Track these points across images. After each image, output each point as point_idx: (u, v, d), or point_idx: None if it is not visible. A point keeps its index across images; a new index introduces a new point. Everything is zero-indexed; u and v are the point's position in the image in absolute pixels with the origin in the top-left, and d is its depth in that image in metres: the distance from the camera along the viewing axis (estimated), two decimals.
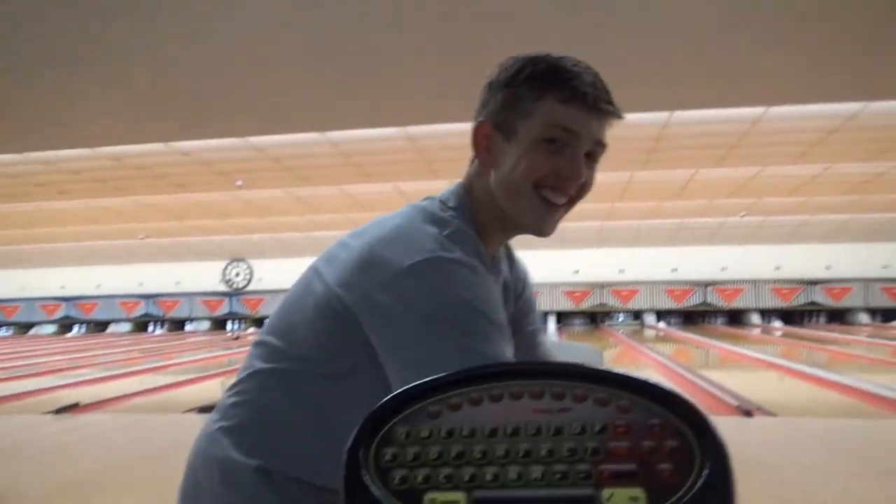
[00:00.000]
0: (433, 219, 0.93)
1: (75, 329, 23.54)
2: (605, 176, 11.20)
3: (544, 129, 0.91)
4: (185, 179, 10.86)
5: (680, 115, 7.86)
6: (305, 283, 0.97)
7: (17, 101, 5.97)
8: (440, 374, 0.51)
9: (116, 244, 18.93)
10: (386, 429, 0.48)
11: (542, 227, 0.97)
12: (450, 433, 0.47)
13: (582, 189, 0.96)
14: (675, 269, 20.87)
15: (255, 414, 0.96)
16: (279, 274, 21.77)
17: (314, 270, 0.97)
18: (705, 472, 0.45)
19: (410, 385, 0.51)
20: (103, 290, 23.02)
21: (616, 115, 0.93)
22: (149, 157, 9.34)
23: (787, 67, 5.51)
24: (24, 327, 23.70)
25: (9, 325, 23.84)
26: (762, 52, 5.15)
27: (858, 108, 7.60)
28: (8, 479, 3.67)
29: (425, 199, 1.00)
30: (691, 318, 21.04)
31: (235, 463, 0.93)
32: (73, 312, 23.31)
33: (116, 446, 4.62)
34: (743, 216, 15.61)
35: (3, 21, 4.17)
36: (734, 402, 5.98)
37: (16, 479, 3.70)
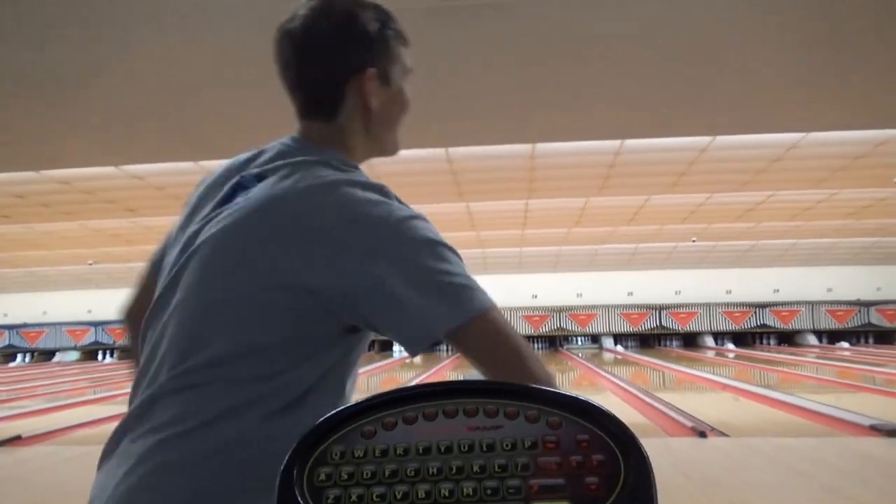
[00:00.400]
0: (353, 176, 0.92)
1: (19, 358, 22.56)
2: (562, 202, 11.46)
3: (405, 72, 1.03)
4: (136, 204, 10.62)
5: (632, 142, 8.08)
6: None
7: None
8: (372, 396, 0.52)
9: (64, 270, 18.31)
10: (321, 449, 0.49)
11: (395, 152, 1.08)
12: (384, 452, 0.47)
13: None
14: (631, 293, 21.24)
15: None
16: None
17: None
18: (630, 484, 0.46)
19: (343, 407, 0.51)
20: (50, 318, 22.17)
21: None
22: (99, 180, 9.12)
23: (736, 97, 5.73)
24: None
25: None
26: (712, 83, 5.35)
27: (799, 138, 7.95)
28: None
29: (302, 160, 0.94)
30: (647, 341, 21.38)
31: None
32: (17, 341, 22.36)
33: (64, 478, 4.43)
34: (694, 241, 16.04)
35: None
36: (689, 423, 6.10)
37: None
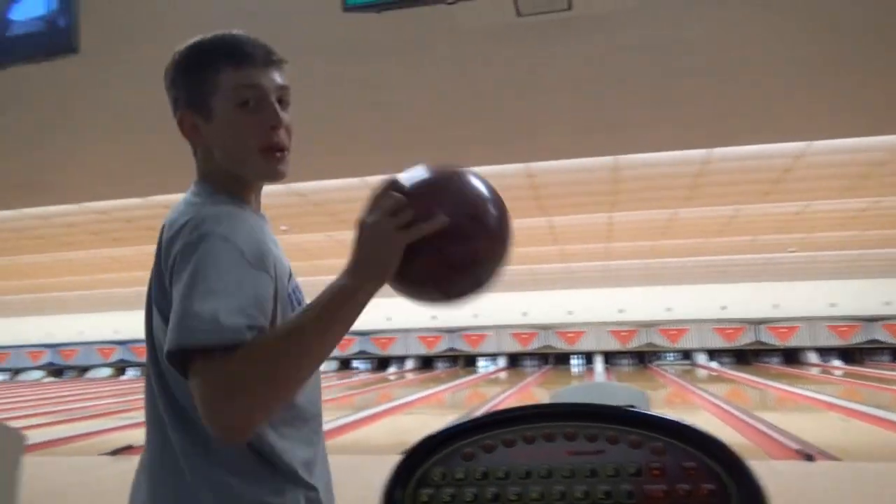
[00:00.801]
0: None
1: (129, 372, 24.15)
2: (647, 214, 11.14)
3: (235, 95, 1.00)
4: None
5: (720, 151, 7.77)
6: None
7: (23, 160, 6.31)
8: (475, 417, 0.53)
9: None
10: (422, 470, 0.50)
11: (275, 175, 1.04)
12: (485, 475, 0.48)
13: (288, 131, 1.04)
14: (724, 307, 20.30)
15: None
16: None
17: None
18: None
19: (445, 427, 0.52)
20: None
21: (283, 60, 1.05)
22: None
23: (826, 103, 5.42)
24: (82, 370, 24.44)
25: (69, 368, 24.61)
26: (804, 87, 5.09)
27: None
28: None
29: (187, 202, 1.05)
30: (744, 357, 20.32)
31: None
32: (128, 356, 23.93)
33: None
34: (792, 251, 15.17)
35: None
36: (794, 445, 5.73)
37: None
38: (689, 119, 5.91)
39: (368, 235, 0.87)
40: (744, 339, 20.21)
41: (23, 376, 24.59)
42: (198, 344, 0.83)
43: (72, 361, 24.44)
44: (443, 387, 15.05)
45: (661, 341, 20.71)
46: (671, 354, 21.05)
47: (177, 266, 0.92)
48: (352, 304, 0.84)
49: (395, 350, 21.82)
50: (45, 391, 17.62)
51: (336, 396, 14.13)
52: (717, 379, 15.88)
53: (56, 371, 24.68)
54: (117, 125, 5.53)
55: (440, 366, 21.93)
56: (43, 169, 6.86)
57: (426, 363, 21.93)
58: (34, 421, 9.40)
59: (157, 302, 1.00)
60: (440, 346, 21.67)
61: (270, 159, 1.03)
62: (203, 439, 0.93)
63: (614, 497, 0.46)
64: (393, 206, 0.86)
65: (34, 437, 7.43)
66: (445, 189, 0.93)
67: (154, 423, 1.02)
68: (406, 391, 14.02)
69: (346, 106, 5.28)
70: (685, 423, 0.48)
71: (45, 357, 24.53)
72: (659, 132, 6.28)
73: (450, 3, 2.53)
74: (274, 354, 0.81)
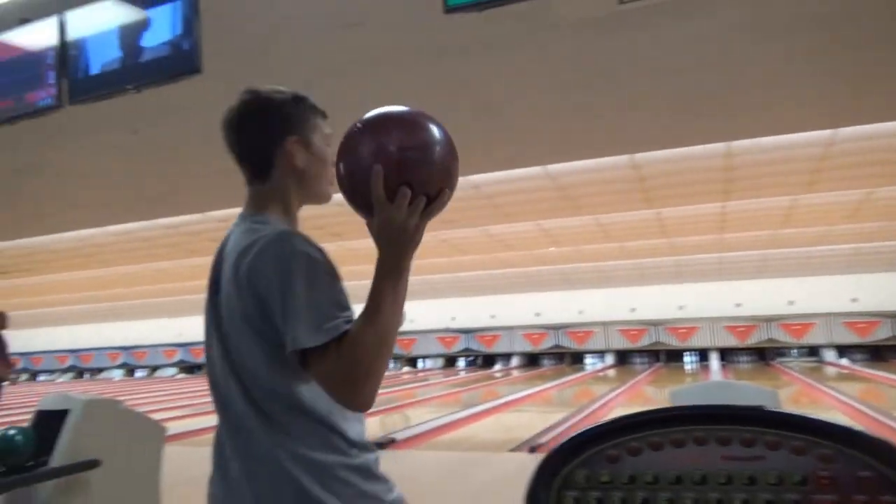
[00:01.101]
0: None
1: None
2: (764, 202, 10.48)
3: (325, 138, 1.35)
4: (341, 229, 11.61)
5: (847, 131, 7.17)
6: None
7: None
8: (617, 418, 0.51)
9: None
10: (565, 472, 0.49)
11: (329, 199, 1.39)
12: (632, 479, 0.47)
13: None
14: (855, 300, 18.74)
15: None
16: (427, 315, 22.37)
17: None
18: None
19: (586, 428, 0.51)
20: None
21: None
22: (309, 209, 10.10)
23: None
24: None
25: (198, 366, 26.58)
26: None
27: None
28: None
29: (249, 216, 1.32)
30: (880, 353, 18.67)
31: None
32: (187, 357, 25.69)
33: None
34: None
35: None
36: None
37: None
38: (809, 99, 5.50)
39: (401, 232, 1.07)
40: (879, 334, 18.56)
41: (159, 373, 26.78)
42: (330, 340, 1.08)
43: (201, 360, 26.33)
44: (549, 384, 14.88)
45: (783, 337, 19.43)
46: (795, 351, 19.69)
47: (280, 279, 1.13)
48: (405, 283, 1.13)
49: (499, 347, 21.83)
50: (180, 386, 19.08)
51: (442, 394, 14.32)
52: (848, 377, 14.69)
53: (188, 368, 26.69)
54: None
55: (546, 363, 21.72)
56: (177, 182, 7.43)
57: (532, 360, 21.79)
58: (171, 413, 10.19)
59: (237, 309, 1.20)
60: (546, 343, 21.45)
61: (331, 188, 1.35)
62: (282, 423, 1.17)
63: None
64: (408, 204, 1.05)
65: (172, 428, 8.05)
66: (428, 147, 1.10)
67: (236, 414, 1.21)
68: (512, 388, 13.99)
69: (446, 107, 5.33)
70: (856, 428, 0.44)
71: (178, 355, 26.58)
72: (775, 114, 5.89)
73: None
74: (376, 341, 1.08)
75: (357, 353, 1.06)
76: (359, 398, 1.07)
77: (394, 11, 3.65)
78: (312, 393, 1.15)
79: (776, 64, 4.67)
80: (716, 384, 2.43)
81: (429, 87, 4.83)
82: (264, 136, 1.28)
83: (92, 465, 2.91)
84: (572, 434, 0.51)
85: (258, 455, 1.17)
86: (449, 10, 2.69)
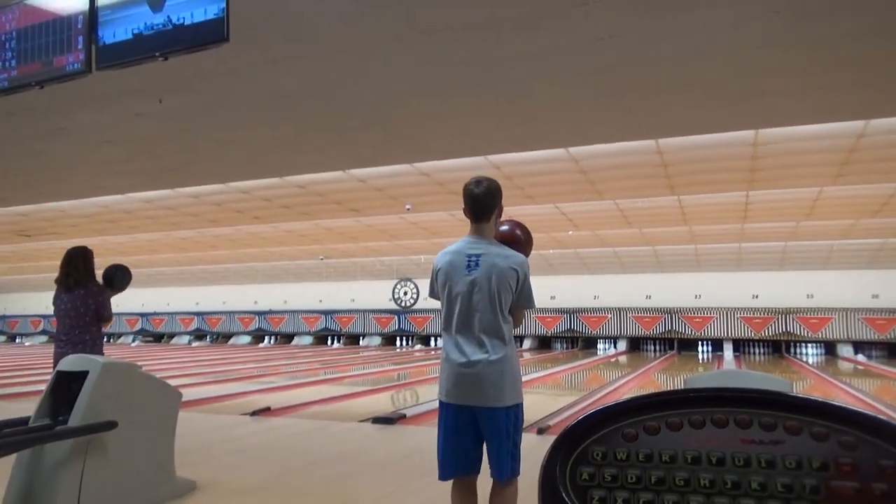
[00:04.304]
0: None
1: (266, 340, 26.02)
2: (789, 192, 10.31)
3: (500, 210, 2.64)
4: (360, 204, 11.63)
5: (878, 122, 7.01)
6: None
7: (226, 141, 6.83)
8: (636, 397, 0.51)
9: (300, 264, 20.67)
10: (581, 448, 0.49)
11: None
12: (648, 457, 0.46)
13: None
14: (876, 296, 18.47)
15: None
16: None
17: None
18: None
19: (605, 406, 0.51)
20: (289, 306, 25.25)
21: None
22: (329, 184, 10.14)
23: None
24: (225, 337, 26.69)
25: (213, 334, 26.93)
26: None
27: None
28: (212, 470, 4.12)
29: (480, 238, 2.59)
30: None
31: None
32: (265, 325, 25.79)
33: (305, 447, 5.03)
34: None
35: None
36: None
37: (219, 471, 4.14)
38: (841, 87, 5.37)
39: None
40: None
41: (175, 340, 27.22)
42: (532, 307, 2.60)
43: (217, 329, 26.69)
44: (561, 367, 14.90)
45: (799, 330, 19.24)
46: (811, 344, 19.51)
47: (525, 279, 2.53)
48: None
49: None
50: (195, 354, 19.39)
51: (387, 369, 14.41)
52: (864, 373, 14.54)
53: (202, 336, 27.09)
54: (258, 111, 5.89)
55: (558, 346, 21.72)
56: (199, 152, 7.47)
57: (544, 343, 21.81)
58: (185, 381, 10.37)
59: (510, 286, 2.50)
60: (559, 327, 21.45)
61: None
62: (507, 325, 2.51)
63: (795, 491, 0.42)
64: None
65: (186, 395, 8.23)
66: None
67: (492, 324, 2.47)
68: (523, 370, 14.02)
69: (469, 84, 5.29)
70: (881, 417, 0.43)
71: (194, 324, 26.96)
72: (806, 102, 5.77)
73: None
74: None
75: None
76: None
77: None
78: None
79: (808, 51, 4.56)
80: (731, 373, 2.41)
81: (454, 63, 4.79)
82: (493, 204, 2.57)
83: (110, 426, 2.98)
84: (590, 411, 0.51)
85: (497, 335, 2.54)
86: None
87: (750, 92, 5.43)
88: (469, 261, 2.47)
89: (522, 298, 2.49)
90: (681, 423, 0.48)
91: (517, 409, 2.45)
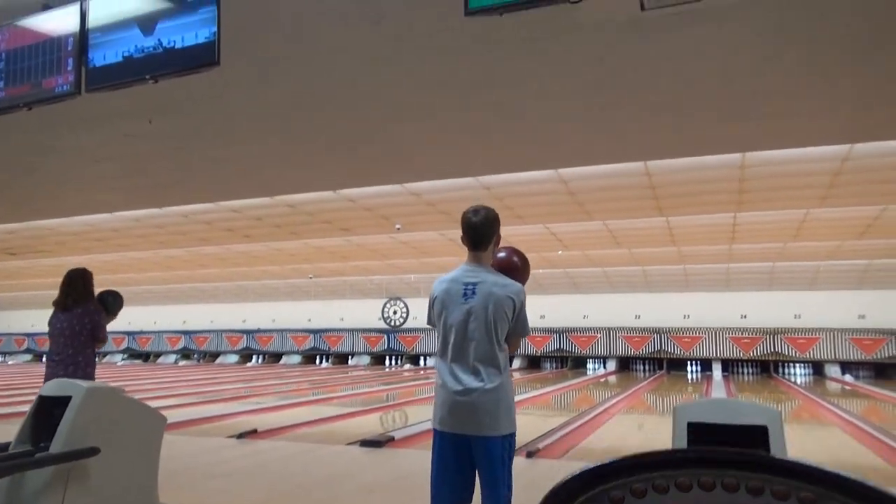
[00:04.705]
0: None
1: (254, 359, 25.79)
2: (777, 214, 10.41)
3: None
4: (350, 224, 11.63)
5: (863, 146, 7.12)
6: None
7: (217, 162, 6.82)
8: (622, 458, 0.50)
9: (290, 282, 20.59)
10: None
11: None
12: None
13: None
14: (862, 316, 18.62)
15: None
16: None
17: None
18: None
19: (590, 467, 0.51)
20: (278, 325, 25.08)
21: None
22: (319, 203, 10.14)
23: None
24: (213, 356, 26.43)
25: (200, 353, 26.68)
26: None
27: None
28: (197, 495, 4.07)
29: (478, 266, 2.63)
30: (885, 371, 18.56)
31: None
32: (253, 344, 25.58)
33: (292, 471, 4.97)
34: None
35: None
36: None
37: (204, 496, 4.08)
38: (826, 112, 5.45)
39: None
40: (885, 352, 18.43)
41: (162, 359, 26.93)
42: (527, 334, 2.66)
43: (204, 347, 26.44)
44: (550, 388, 14.86)
45: (787, 350, 19.33)
46: (799, 364, 19.59)
47: (521, 307, 2.57)
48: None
49: None
50: (182, 374, 19.19)
51: (376, 389, 14.35)
52: (851, 393, 14.60)
53: (189, 355, 26.82)
54: (249, 130, 5.90)
55: (548, 366, 21.68)
56: (189, 171, 7.45)
57: (533, 363, 21.77)
58: (171, 402, 10.24)
59: (507, 314, 2.54)
60: (548, 347, 21.44)
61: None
62: (502, 354, 2.54)
63: None
64: None
65: (171, 416, 8.13)
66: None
67: (488, 353, 2.49)
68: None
69: (462, 105, 5.32)
70: (872, 484, 0.43)
71: (181, 342, 26.70)
72: (793, 125, 5.85)
73: (573, 2, 2.47)
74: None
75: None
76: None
77: (415, 8, 3.64)
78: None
79: (795, 75, 4.63)
80: (721, 402, 2.41)
81: (447, 84, 4.82)
82: (490, 233, 2.63)
83: (92, 452, 2.93)
84: (576, 472, 0.50)
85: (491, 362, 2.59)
86: (470, 12, 2.68)
87: (739, 116, 5.50)
88: (466, 289, 2.49)
89: (518, 326, 2.53)
90: (667, 487, 0.47)
91: (511, 438, 2.49)
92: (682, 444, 2.04)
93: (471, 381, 2.42)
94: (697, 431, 2.02)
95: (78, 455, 2.88)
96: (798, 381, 17.74)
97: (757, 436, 1.98)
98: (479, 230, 2.55)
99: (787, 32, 3.97)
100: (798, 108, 5.32)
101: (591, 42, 4.05)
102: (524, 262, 2.79)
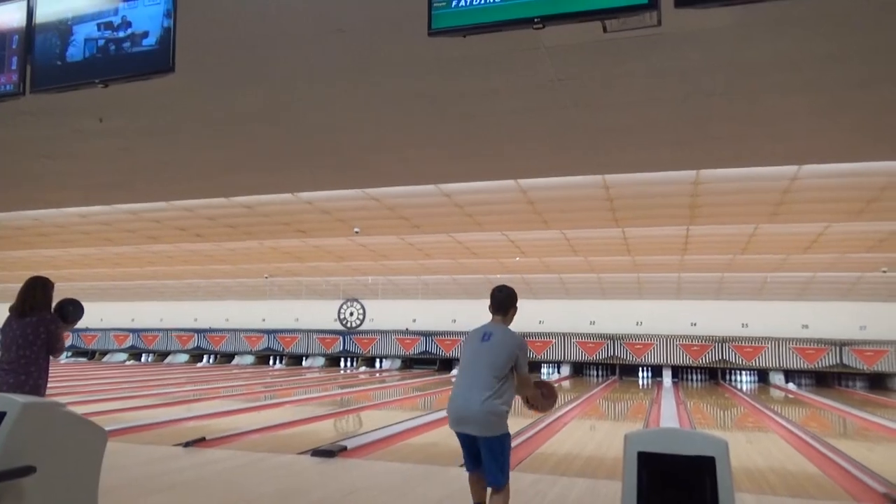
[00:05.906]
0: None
1: (205, 359, 25.20)
2: (727, 228, 10.72)
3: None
4: (307, 226, 11.48)
5: (810, 168, 7.38)
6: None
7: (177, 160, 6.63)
8: None
9: (243, 282, 20.20)
10: None
11: None
12: None
13: None
14: (806, 326, 19.32)
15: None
16: (391, 315, 22.28)
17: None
18: None
19: None
20: (231, 324, 24.59)
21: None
22: (276, 205, 9.97)
23: None
24: (162, 355, 25.74)
25: (149, 352, 25.95)
26: None
27: None
28: None
29: (498, 325, 3.61)
30: (825, 380, 19.29)
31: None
32: (204, 344, 25.01)
33: (242, 482, 4.85)
34: (885, 272, 14.27)
35: None
36: (881, 488, 5.36)
37: None
38: (778, 136, 5.63)
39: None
40: (826, 361, 19.17)
41: (108, 357, 26.10)
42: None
43: (153, 346, 25.73)
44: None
45: (734, 358, 19.91)
46: (745, 372, 20.21)
47: (522, 354, 3.49)
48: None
49: (458, 352, 21.85)
50: (129, 373, 18.62)
51: (400, 397, 14.30)
52: (793, 402, 15.12)
53: (137, 354, 26.07)
54: (204, 132, 5.76)
55: None
56: (135, 171, 7.23)
57: None
58: (117, 405, 9.92)
59: (508, 358, 3.41)
60: None
61: None
62: (498, 382, 3.39)
63: None
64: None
65: (116, 421, 7.89)
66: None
67: (489, 380, 3.35)
68: None
69: (424, 117, 5.30)
70: None
71: (129, 341, 25.93)
72: (743, 147, 6.02)
73: (537, 28, 2.48)
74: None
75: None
76: None
77: (377, 26, 3.61)
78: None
79: (750, 101, 4.76)
80: (671, 431, 2.44)
81: (408, 98, 4.79)
82: (511, 304, 3.64)
83: (27, 471, 2.80)
84: None
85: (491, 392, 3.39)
86: (433, 32, 2.66)
87: (694, 136, 5.63)
88: (485, 335, 3.49)
89: (519, 366, 3.45)
90: None
91: (505, 437, 3.39)
92: (632, 473, 2.07)
93: (474, 397, 3.34)
94: (647, 461, 2.05)
95: (12, 474, 2.75)
96: (744, 389, 18.28)
97: (704, 466, 2.03)
98: (504, 303, 3.58)
99: (738, 60, 4.08)
100: (751, 132, 5.47)
101: (553, 63, 4.08)
102: (550, 393, 3.79)
